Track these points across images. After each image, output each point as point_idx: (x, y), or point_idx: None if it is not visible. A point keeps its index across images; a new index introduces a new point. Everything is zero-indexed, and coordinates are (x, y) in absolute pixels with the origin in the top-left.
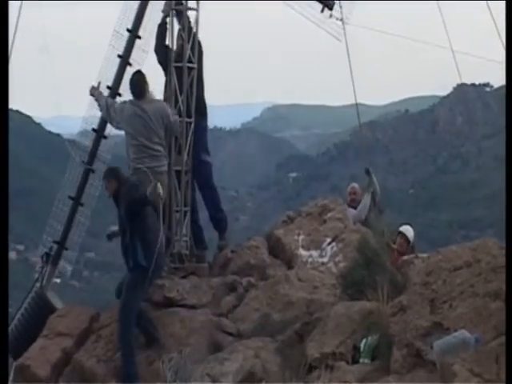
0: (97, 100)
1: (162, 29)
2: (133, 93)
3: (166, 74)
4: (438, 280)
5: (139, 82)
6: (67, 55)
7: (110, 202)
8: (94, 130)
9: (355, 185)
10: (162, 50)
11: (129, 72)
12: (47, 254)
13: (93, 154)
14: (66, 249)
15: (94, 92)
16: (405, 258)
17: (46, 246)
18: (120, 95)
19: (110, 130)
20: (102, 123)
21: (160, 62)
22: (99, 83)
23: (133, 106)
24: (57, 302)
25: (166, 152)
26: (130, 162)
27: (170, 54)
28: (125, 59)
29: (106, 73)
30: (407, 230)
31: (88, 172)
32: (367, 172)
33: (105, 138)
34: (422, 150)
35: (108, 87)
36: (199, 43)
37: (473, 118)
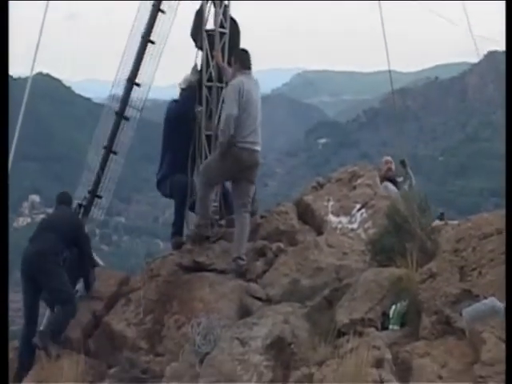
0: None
1: (200, 16)
2: (244, 61)
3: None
4: (468, 247)
5: (247, 52)
6: (97, 20)
7: (138, 167)
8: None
9: (389, 157)
10: (198, 36)
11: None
12: (79, 205)
13: (125, 101)
14: (99, 196)
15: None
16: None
17: (79, 199)
18: (153, 42)
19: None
20: (135, 71)
21: (198, 47)
22: None
23: (248, 82)
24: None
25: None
26: (232, 138)
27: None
28: (156, 6)
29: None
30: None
31: (120, 119)
32: (402, 163)
33: (137, 85)
34: (452, 117)
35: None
36: (235, 22)
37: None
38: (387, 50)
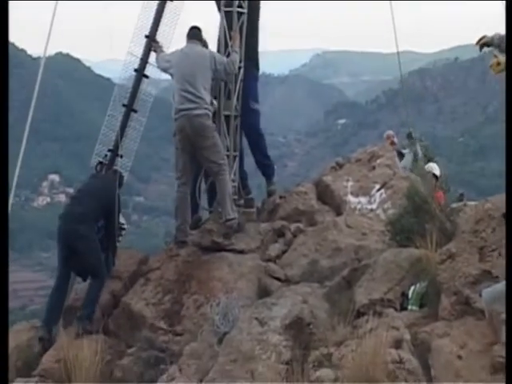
0: (156, 52)
1: None
2: (187, 34)
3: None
4: (488, 228)
5: (195, 26)
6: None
7: (158, 147)
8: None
9: (390, 131)
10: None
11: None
12: (101, 163)
13: (144, 58)
14: (121, 156)
15: (156, 46)
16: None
17: (99, 156)
18: None
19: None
20: (154, 29)
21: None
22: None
23: (183, 50)
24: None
25: (209, 97)
26: (174, 106)
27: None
28: None
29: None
30: (434, 167)
31: (140, 78)
32: (409, 136)
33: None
34: (471, 98)
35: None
36: None
37: None
38: (395, 31)
